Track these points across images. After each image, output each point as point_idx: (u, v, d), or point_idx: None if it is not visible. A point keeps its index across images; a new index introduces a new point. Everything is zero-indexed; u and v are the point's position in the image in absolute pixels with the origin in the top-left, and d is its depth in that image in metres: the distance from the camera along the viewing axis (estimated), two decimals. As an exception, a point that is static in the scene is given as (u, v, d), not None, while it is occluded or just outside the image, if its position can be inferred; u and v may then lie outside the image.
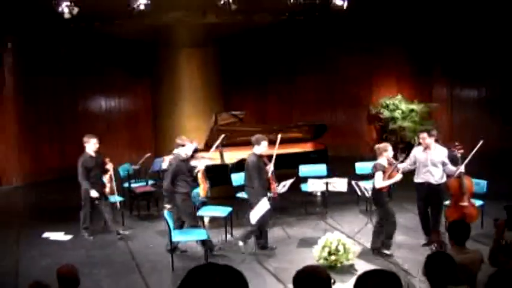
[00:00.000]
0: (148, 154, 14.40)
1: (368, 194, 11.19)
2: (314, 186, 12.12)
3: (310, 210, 13.46)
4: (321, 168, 13.49)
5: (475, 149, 10.60)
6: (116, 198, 12.56)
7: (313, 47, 19.49)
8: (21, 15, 15.33)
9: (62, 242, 11.84)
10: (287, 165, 13.01)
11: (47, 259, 10.76)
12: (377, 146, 10.79)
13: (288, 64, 19.79)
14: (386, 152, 10.38)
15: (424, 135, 10.68)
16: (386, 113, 18.98)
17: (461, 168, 10.47)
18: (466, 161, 10.52)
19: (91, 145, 11.78)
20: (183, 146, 10.90)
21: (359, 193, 11.61)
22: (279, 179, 11.42)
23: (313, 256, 10.13)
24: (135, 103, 19.24)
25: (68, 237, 12.08)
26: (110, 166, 12.07)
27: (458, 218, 10.28)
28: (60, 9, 12.34)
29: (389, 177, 10.27)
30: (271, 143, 11.35)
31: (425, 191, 10.67)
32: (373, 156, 10.98)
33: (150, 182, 14.04)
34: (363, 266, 9.94)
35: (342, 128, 19.37)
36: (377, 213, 10.88)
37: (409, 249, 10.82)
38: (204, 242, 10.61)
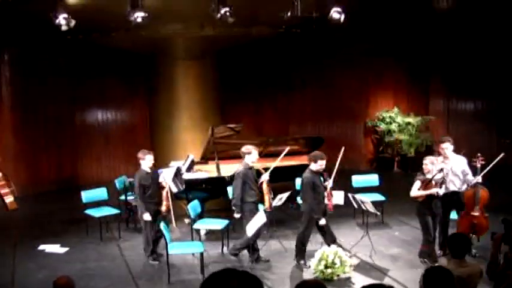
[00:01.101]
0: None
1: (364, 206, 11.18)
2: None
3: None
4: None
5: (495, 161, 10.67)
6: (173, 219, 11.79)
7: (310, 60, 19.53)
8: (19, 27, 15.36)
9: (58, 254, 11.81)
10: (283, 178, 13.01)
11: (43, 271, 10.75)
12: None
13: (285, 77, 19.82)
14: (423, 165, 10.39)
15: (447, 144, 10.73)
16: (383, 126, 19.04)
17: (479, 179, 10.54)
18: (484, 171, 10.59)
19: (147, 161, 11.19)
20: (249, 153, 10.84)
21: (355, 206, 11.60)
22: (275, 192, 11.42)
23: (310, 269, 10.14)
24: (132, 115, 19.23)
25: (64, 249, 12.05)
26: (165, 183, 11.50)
27: (468, 228, 10.41)
28: (57, 21, 12.34)
29: (425, 188, 10.27)
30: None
31: (448, 200, 10.67)
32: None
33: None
34: (359, 279, 9.97)
35: (338, 141, 19.31)
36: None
37: (405, 262, 10.82)
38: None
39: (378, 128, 19.28)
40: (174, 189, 12.94)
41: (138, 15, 12.44)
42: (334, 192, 11.41)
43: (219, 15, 12.80)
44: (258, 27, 15.89)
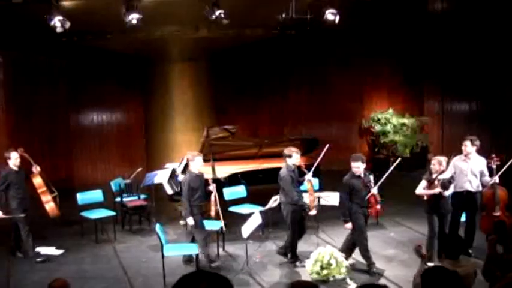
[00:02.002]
0: (140, 168, 14.38)
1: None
2: (306, 200, 12.12)
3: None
4: (313, 183, 13.47)
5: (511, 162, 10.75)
6: (221, 223, 11.29)
7: (305, 61, 19.54)
8: (14, 29, 15.34)
9: (53, 257, 11.79)
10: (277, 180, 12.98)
11: (39, 273, 10.74)
12: None
13: (280, 78, 19.81)
14: (431, 165, 10.46)
15: (467, 142, 10.80)
16: (378, 127, 19.07)
17: (496, 179, 10.64)
18: (501, 171, 10.69)
19: (196, 163, 10.83)
20: (289, 156, 10.83)
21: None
22: (271, 193, 11.40)
23: (306, 270, 10.14)
24: (127, 117, 19.18)
25: (60, 251, 12.03)
26: (213, 187, 11.00)
27: (491, 228, 10.41)
28: (52, 23, 12.35)
29: (430, 188, 10.31)
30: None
31: (463, 199, 10.78)
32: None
33: (142, 196, 14.02)
34: (354, 280, 9.97)
35: (333, 142, 19.28)
36: None
37: (400, 262, 10.85)
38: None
39: (373, 129, 19.32)
40: (170, 191, 12.96)
41: (133, 18, 12.45)
42: (329, 193, 11.44)
43: (213, 17, 12.82)
44: (253, 29, 15.91)
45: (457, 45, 17.83)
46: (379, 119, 19.15)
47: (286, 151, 10.96)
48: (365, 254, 10.45)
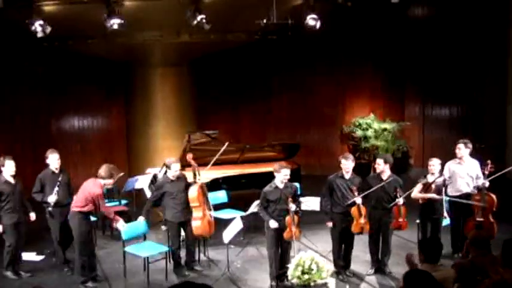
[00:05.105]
0: (121, 174, 14.32)
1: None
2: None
3: (284, 229, 13.46)
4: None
5: (507, 169, 10.95)
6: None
7: (287, 67, 19.59)
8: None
9: (34, 262, 11.71)
10: (260, 185, 12.98)
11: (20, 280, 10.68)
12: None
13: (262, 83, 19.85)
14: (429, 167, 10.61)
15: (461, 145, 10.96)
16: (359, 132, 19.12)
17: (485, 183, 10.72)
18: (493, 176, 10.77)
19: (281, 175, 10.00)
20: (344, 158, 10.36)
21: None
22: (252, 198, 11.40)
23: (287, 275, 10.15)
24: (109, 122, 19.10)
25: (40, 257, 11.97)
26: (292, 207, 9.87)
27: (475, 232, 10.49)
28: (33, 28, 12.33)
29: (426, 191, 10.49)
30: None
31: (461, 202, 10.85)
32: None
33: (123, 201, 13.97)
34: (336, 285, 10.00)
35: (315, 147, 19.46)
36: None
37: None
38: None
39: (354, 134, 19.36)
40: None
41: (115, 22, 12.45)
42: (310, 198, 11.44)
43: (195, 22, 12.84)
44: (235, 33, 15.94)
45: (437, 51, 17.96)
46: (360, 124, 19.19)
47: (341, 157, 10.57)
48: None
